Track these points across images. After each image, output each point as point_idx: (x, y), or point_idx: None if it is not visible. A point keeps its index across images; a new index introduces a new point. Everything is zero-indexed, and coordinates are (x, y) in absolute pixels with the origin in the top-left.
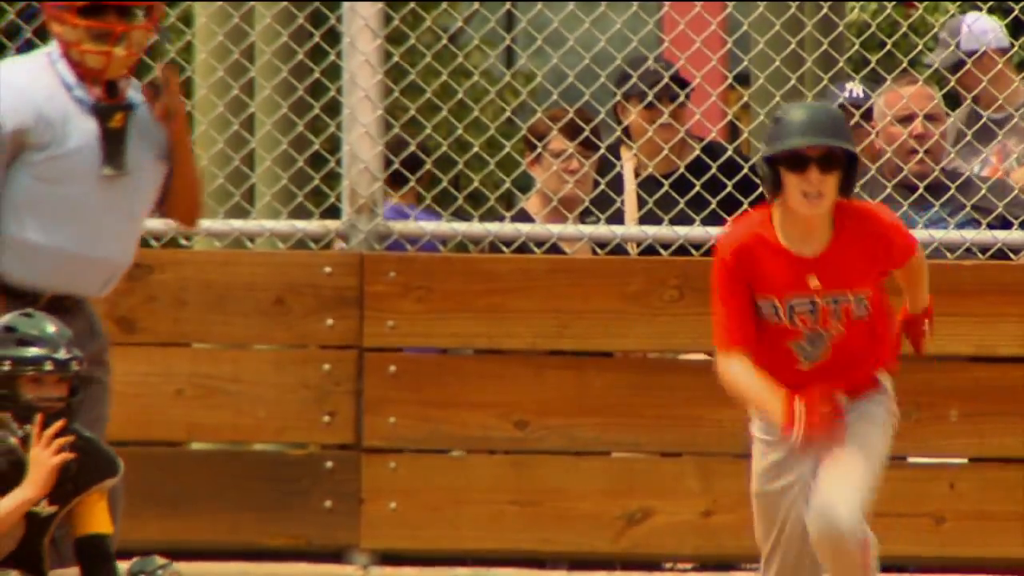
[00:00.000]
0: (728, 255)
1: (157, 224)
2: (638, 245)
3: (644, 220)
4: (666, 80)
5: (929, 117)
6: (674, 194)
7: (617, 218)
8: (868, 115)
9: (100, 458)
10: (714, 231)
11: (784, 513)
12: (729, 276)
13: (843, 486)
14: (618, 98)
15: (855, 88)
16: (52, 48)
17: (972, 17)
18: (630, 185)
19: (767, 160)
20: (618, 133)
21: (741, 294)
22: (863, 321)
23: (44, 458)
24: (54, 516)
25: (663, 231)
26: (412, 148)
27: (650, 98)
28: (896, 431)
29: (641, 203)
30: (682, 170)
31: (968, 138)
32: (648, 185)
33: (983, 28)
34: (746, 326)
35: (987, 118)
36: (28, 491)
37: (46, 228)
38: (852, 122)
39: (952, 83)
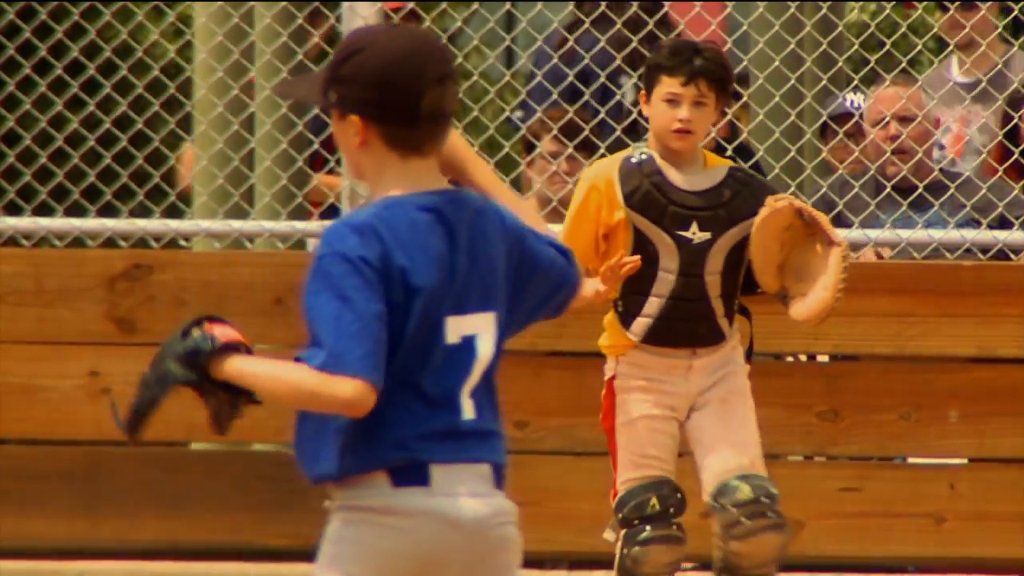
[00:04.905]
0: None
1: (156, 225)
2: None
3: None
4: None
5: (904, 119)
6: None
7: None
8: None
9: (761, 193)
10: None
11: None
12: None
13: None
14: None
15: (855, 98)
16: None
17: None
18: None
19: None
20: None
21: None
22: None
23: None
24: (710, 244)
25: None
26: None
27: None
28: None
29: None
30: None
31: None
32: None
33: None
34: None
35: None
36: None
37: None
38: (847, 128)
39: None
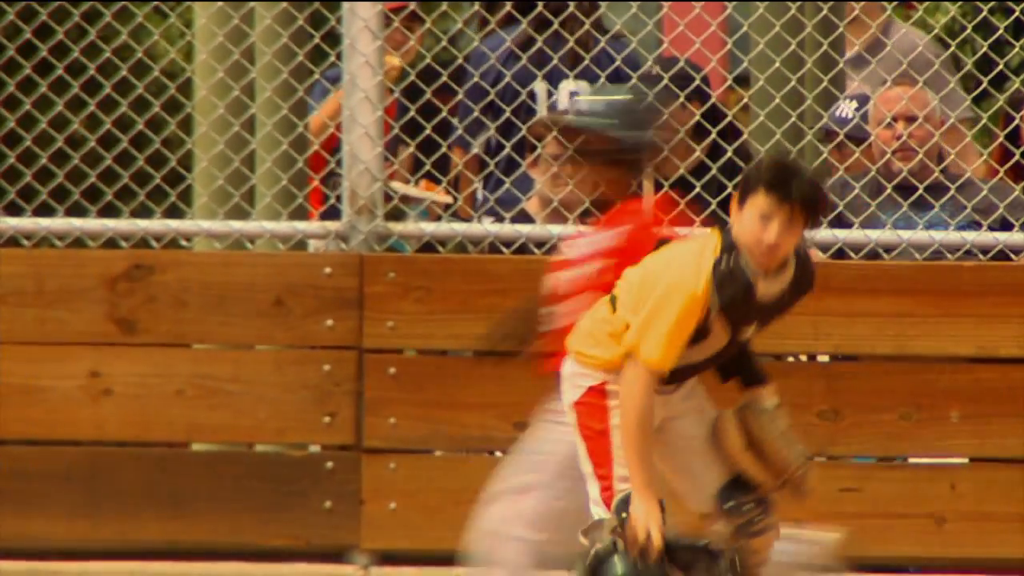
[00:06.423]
0: None
1: (157, 225)
2: None
3: None
4: (698, 81)
5: (910, 118)
6: (673, 195)
7: None
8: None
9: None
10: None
11: None
12: None
13: None
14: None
15: (846, 107)
16: None
17: None
18: (648, 186)
19: None
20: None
21: None
22: None
23: None
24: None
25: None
26: (411, 149)
27: (682, 98)
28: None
29: None
30: (681, 171)
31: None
32: (676, 186)
33: None
34: None
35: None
36: None
37: None
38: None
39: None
